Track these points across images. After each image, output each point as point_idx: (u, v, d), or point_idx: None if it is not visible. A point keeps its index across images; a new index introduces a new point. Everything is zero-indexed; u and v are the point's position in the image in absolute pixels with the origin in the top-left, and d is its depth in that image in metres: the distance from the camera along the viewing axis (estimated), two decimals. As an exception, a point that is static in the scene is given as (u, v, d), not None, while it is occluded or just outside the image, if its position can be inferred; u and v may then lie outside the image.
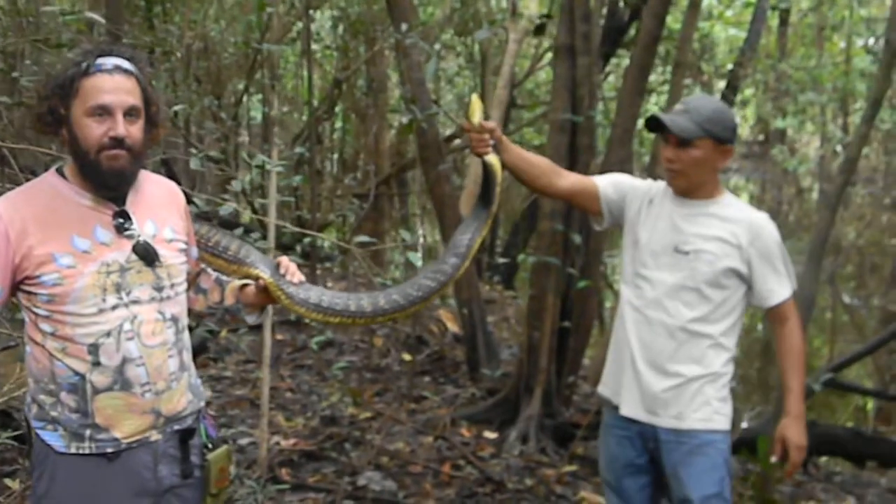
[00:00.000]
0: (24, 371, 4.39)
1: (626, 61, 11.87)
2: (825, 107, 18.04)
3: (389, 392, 6.42)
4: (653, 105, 13.87)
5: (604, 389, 3.24)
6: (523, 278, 10.99)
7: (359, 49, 13.63)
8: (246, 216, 8.38)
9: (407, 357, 7.04)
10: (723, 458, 2.99)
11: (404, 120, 16.15)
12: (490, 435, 5.61)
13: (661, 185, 3.17)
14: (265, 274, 2.60)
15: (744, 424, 4.50)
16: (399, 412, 5.94)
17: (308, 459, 5.12)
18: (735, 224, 2.99)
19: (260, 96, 12.13)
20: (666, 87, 10.98)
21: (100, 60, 2.25)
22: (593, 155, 5.62)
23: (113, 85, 2.25)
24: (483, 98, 11.25)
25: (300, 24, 11.56)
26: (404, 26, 5.72)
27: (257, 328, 6.75)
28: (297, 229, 5.48)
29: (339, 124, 15.60)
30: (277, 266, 2.63)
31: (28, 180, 2.49)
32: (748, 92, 16.54)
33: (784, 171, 20.15)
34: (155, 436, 2.37)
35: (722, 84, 13.36)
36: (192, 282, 2.66)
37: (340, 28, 12.68)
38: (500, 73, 10.15)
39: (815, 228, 4.00)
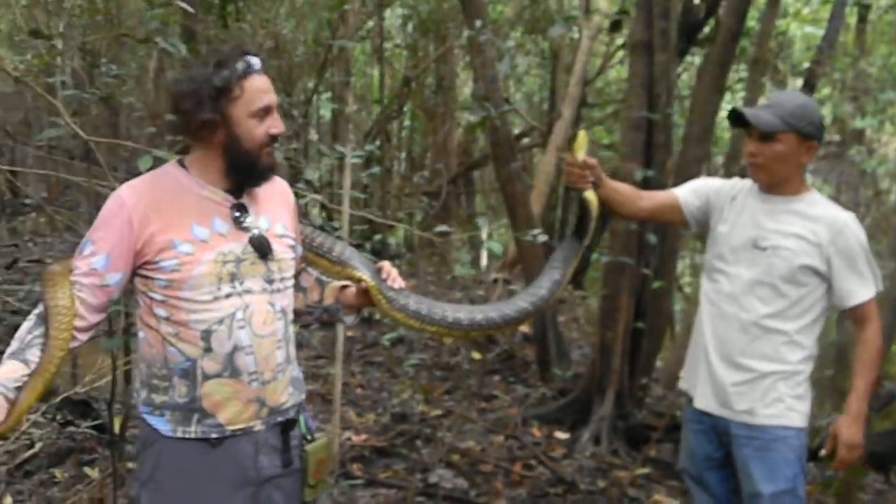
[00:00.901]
0: (105, 362, 4.49)
1: (698, 59, 11.74)
2: (904, 107, 17.58)
3: (459, 390, 6.42)
4: (728, 103, 13.65)
5: (683, 383, 3.26)
6: (592, 278, 10.91)
7: (428, 47, 13.68)
8: (314, 212, 8.44)
9: (477, 356, 7.02)
10: (795, 454, 2.95)
11: (473, 118, 16.20)
12: (561, 435, 5.57)
13: (746, 182, 3.13)
14: (367, 277, 2.63)
15: (823, 422, 4.37)
16: (469, 410, 5.93)
17: (379, 455, 5.14)
18: (816, 222, 2.93)
19: (329, 95, 12.22)
20: (741, 86, 10.81)
21: (252, 61, 2.32)
22: (669, 153, 5.54)
23: (267, 85, 2.36)
24: (554, 95, 11.20)
25: (370, 23, 11.65)
26: (478, 23, 5.70)
27: (329, 325, 6.82)
28: (371, 216, 5.48)
29: (407, 123, 15.66)
30: (379, 271, 2.68)
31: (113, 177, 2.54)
32: (825, 91, 16.19)
33: (861, 173, 19.70)
34: (258, 426, 2.41)
35: (798, 82, 13.13)
36: (295, 279, 2.68)
37: (410, 26, 12.74)
38: (571, 71, 10.08)
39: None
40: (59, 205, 13.48)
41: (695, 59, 11.26)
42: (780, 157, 2.93)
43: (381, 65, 7.76)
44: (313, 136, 13.81)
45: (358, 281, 2.65)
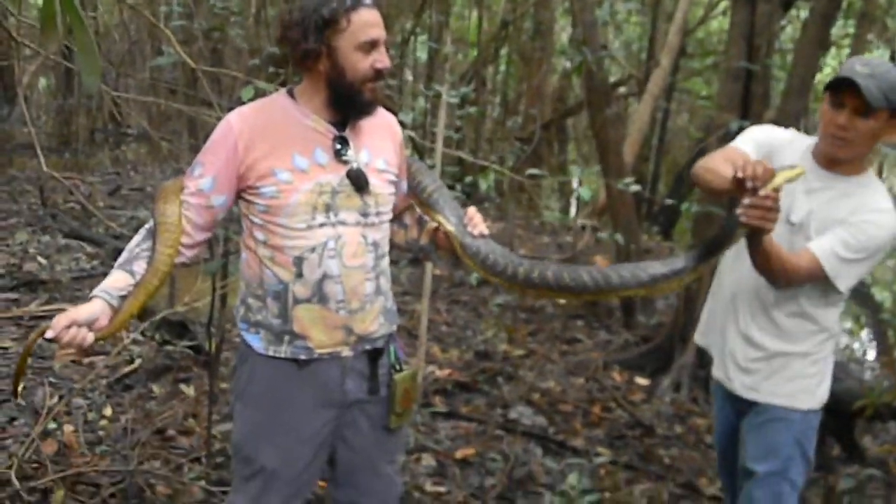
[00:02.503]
0: (201, 286, 4.68)
1: (804, 13, 11.43)
2: None
3: (542, 333, 6.50)
4: (833, 59, 13.28)
5: (700, 338, 3.16)
6: (682, 229, 10.84)
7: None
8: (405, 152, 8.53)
9: (561, 300, 7.08)
10: (795, 437, 2.83)
11: (569, 65, 16.01)
12: (642, 381, 5.62)
13: (806, 142, 2.84)
14: (447, 221, 2.62)
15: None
16: (552, 352, 6.02)
17: (461, 390, 5.26)
18: (850, 200, 2.69)
19: (426, 36, 12.23)
20: (847, 41, 10.52)
21: None
22: (767, 105, 5.49)
23: (376, 19, 2.37)
24: (652, 44, 11.04)
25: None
26: (580, -33, 5.69)
27: (417, 262, 6.95)
28: (464, 156, 5.54)
29: (502, 67, 15.60)
30: (464, 215, 2.64)
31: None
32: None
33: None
34: (346, 352, 2.51)
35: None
36: (399, 216, 2.75)
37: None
38: (672, 20, 9.92)
39: None
40: (160, 135, 13.86)
41: (800, 12, 10.98)
42: (871, 134, 2.64)
43: (480, 7, 7.75)
44: (409, 76, 13.89)
45: (439, 224, 2.65)
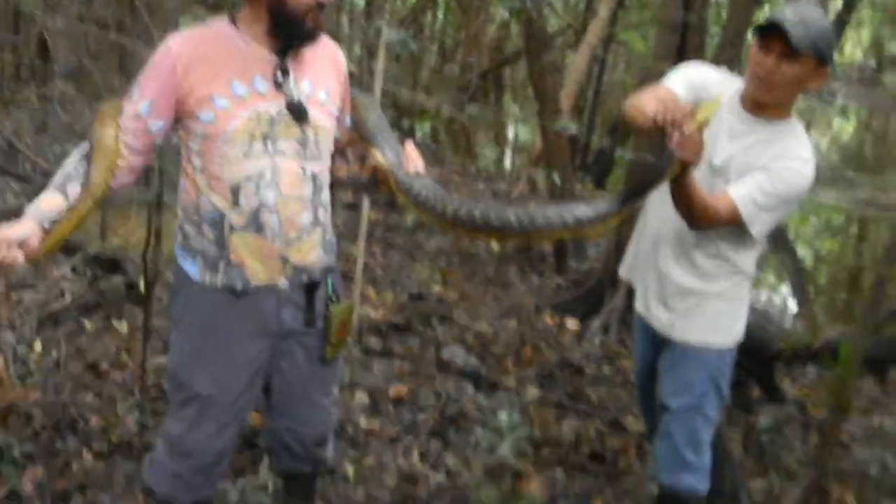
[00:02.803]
0: (134, 220, 4.66)
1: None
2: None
3: (476, 277, 6.58)
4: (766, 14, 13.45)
5: (624, 271, 3.22)
6: (615, 179, 10.97)
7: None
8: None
9: (495, 245, 7.16)
10: (709, 373, 2.93)
11: (508, 14, 15.94)
12: (572, 324, 5.74)
13: (735, 84, 2.89)
14: (384, 156, 2.61)
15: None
16: (485, 296, 6.10)
17: (395, 331, 5.31)
18: (771, 147, 2.75)
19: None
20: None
21: None
22: (702, 56, 5.57)
23: None
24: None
25: None
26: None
27: (354, 206, 6.95)
28: (405, 93, 5.53)
29: (440, 15, 15.52)
30: (402, 152, 2.63)
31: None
32: (865, 12, 15.92)
33: (894, 100, 19.48)
34: (282, 282, 2.53)
35: (839, 1, 12.93)
36: (342, 150, 2.76)
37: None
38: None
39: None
40: (89, 72, 13.50)
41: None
42: (796, 79, 2.68)
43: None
44: (344, 22, 13.73)
45: (374, 158, 2.64)
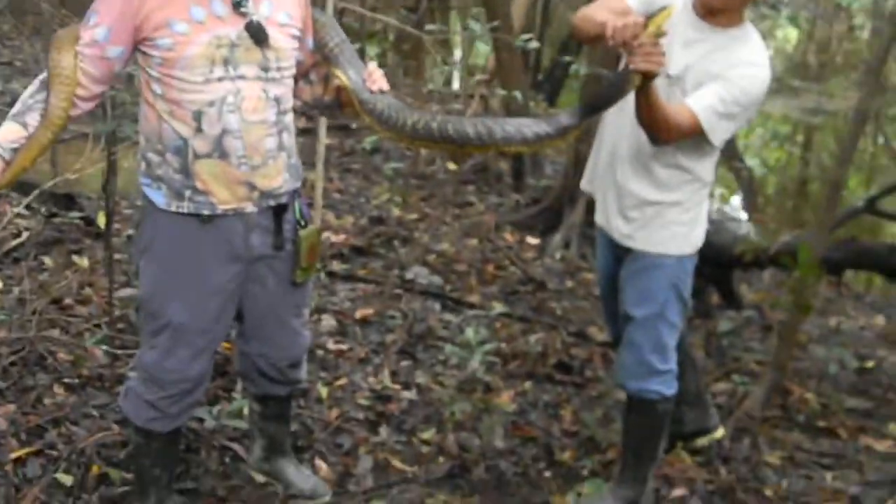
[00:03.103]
0: (85, 158, 4.56)
1: None
2: (887, -62, 17.31)
3: (434, 198, 6.60)
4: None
5: (585, 184, 3.23)
6: (567, 98, 10.97)
7: None
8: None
9: (452, 166, 7.17)
10: (670, 281, 2.96)
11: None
12: (532, 240, 5.81)
13: None
14: (347, 77, 2.59)
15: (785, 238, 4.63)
16: (445, 216, 6.13)
17: (358, 254, 5.34)
18: (726, 54, 2.75)
19: None
20: None
21: None
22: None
23: None
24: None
25: None
26: None
27: (309, 132, 6.89)
28: (359, 10, 5.44)
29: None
30: (363, 71, 2.61)
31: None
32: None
33: (837, 7, 19.54)
34: (249, 207, 2.52)
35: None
36: (305, 72, 2.72)
37: None
38: None
39: (874, 51, 3.97)
40: (26, 8, 13.13)
41: None
42: None
43: None
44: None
45: (337, 79, 2.62)
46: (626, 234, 3.00)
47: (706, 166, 2.93)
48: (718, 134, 2.75)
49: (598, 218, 3.14)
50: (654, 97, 2.58)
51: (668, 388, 3.06)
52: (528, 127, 2.47)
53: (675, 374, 3.07)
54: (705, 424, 3.48)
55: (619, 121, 2.90)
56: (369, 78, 2.59)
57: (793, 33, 21.26)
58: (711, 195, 3.04)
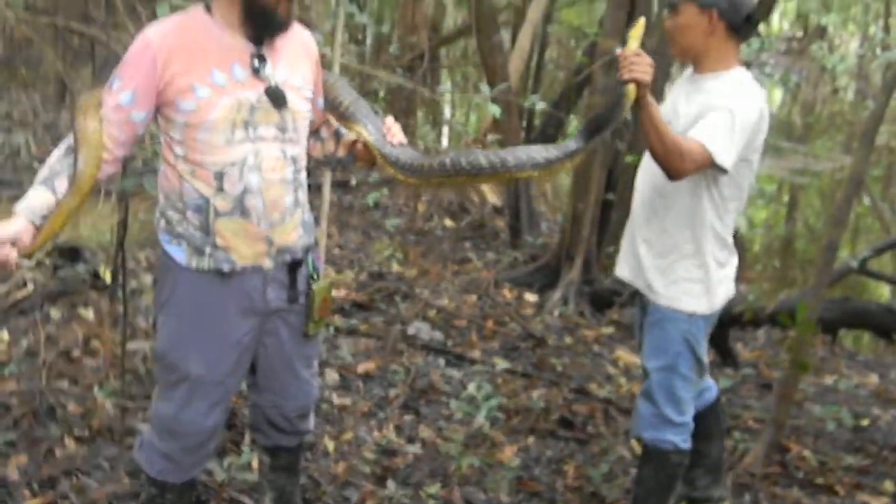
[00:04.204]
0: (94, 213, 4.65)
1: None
2: (869, 5, 17.71)
3: (433, 254, 6.68)
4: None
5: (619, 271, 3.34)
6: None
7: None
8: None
9: (449, 222, 7.27)
10: (682, 335, 3.04)
11: (442, -6, 15.84)
12: (531, 297, 5.88)
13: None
14: (367, 132, 2.70)
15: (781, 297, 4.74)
16: (444, 272, 6.20)
17: (359, 309, 5.40)
18: (710, 96, 2.90)
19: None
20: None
21: None
22: (649, 33, 5.70)
23: None
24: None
25: None
26: None
27: (310, 187, 6.98)
28: (368, 70, 5.52)
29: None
30: (382, 126, 2.73)
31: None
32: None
33: (822, 69, 19.91)
34: (267, 263, 2.59)
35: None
36: (316, 130, 2.83)
37: None
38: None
39: (869, 113, 4.09)
40: (22, 60, 13.26)
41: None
42: (679, 28, 2.94)
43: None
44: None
45: (358, 135, 2.73)
46: (646, 284, 3.10)
47: (718, 217, 3.01)
48: (722, 153, 2.79)
49: (620, 271, 3.25)
50: (656, 116, 2.70)
51: (683, 440, 3.12)
52: (537, 153, 2.59)
53: (691, 429, 3.14)
54: (715, 494, 3.51)
55: (640, 179, 3.08)
56: (389, 132, 2.71)
57: (777, 94, 21.64)
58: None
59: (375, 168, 2.86)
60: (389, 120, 2.74)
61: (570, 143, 2.64)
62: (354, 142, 2.79)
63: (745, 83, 2.95)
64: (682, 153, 2.75)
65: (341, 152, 2.84)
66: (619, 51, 2.67)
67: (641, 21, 2.73)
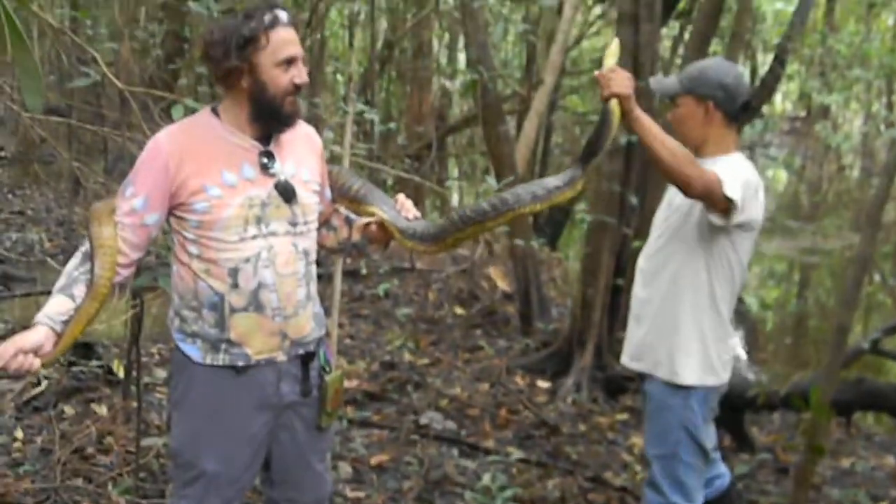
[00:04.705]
0: (107, 308, 4.67)
1: (674, 31, 11.99)
2: (871, 84, 17.98)
3: (444, 342, 6.69)
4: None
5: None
6: (567, 240, 11.18)
7: (407, 13, 13.81)
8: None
9: (459, 310, 7.30)
10: (680, 422, 3.06)
11: (448, 84, 16.19)
12: (543, 384, 5.86)
13: None
14: (381, 211, 2.78)
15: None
16: (456, 360, 6.21)
17: (371, 400, 5.39)
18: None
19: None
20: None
21: (279, 13, 2.49)
22: (653, 119, 5.80)
23: (293, 37, 2.51)
24: (531, 63, 11.38)
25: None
26: (472, -11, 5.93)
27: (321, 277, 7.03)
28: (378, 166, 5.62)
29: (385, 86, 15.78)
30: (394, 203, 2.82)
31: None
32: (794, 67, 16.52)
33: (826, 148, 20.12)
34: (280, 356, 2.62)
35: (769, 57, 13.43)
36: (326, 220, 2.88)
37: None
38: (553, 39, 10.28)
39: (873, 195, 4.14)
40: (34, 158, 13.49)
41: (670, 31, 11.56)
42: (679, 119, 3.07)
43: (374, 26, 7.98)
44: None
45: (372, 215, 2.79)
46: (642, 366, 3.12)
47: (717, 288, 3.03)
48: (732, 185, 2.85)
49: (624, 359, 3.28)
50: (650, 126, 2.79)
51: None
52: (536, 186, 2.67)
53: None
54: None
55: (641, 256, 3.19)
56: (402, 208, 2.78)
57: (782, 174, 21.81)
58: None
59: (389, 247, 2.91)
60: (401, 197, 2.82)
61: (568, 172, 2.70)
62: (367, 224, 2.83)
63: (744, 165, 3.03)
64: (691, 159, 2.83)
65: (355, 237, 2.89)
66: (596, 73, 2.76)
67: (616, 41, 2.87)
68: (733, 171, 2.91)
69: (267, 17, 2.47)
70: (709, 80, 3.03)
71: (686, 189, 2.84)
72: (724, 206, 2.87)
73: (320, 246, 2.85)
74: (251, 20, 2.46)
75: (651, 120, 2.82)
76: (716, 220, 2.93)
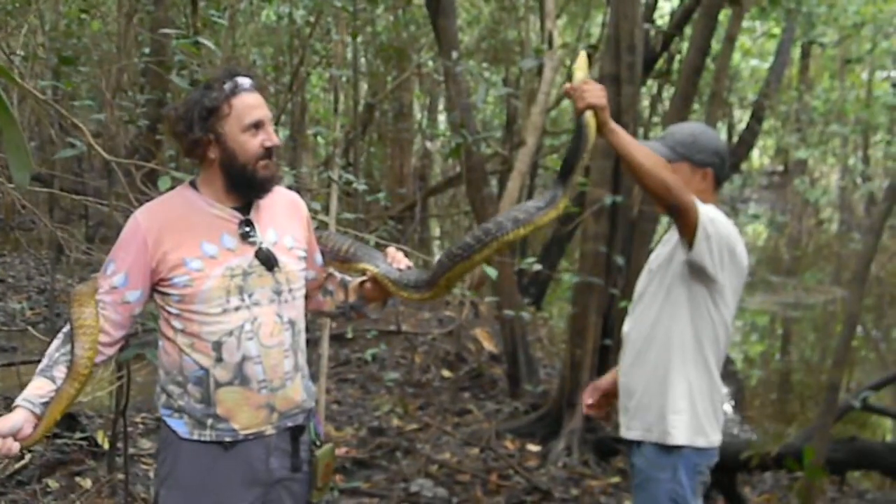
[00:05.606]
0: (91, 379, 4.62)
1: (652, 90, 12.16)
2: (847, 138, 18.24)
3: (432, 406, 6.64)
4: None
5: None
6: (552, 299, 11.18)
7: (387, 75, 13.95)
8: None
9: (447, 373, 7.25)
10: (668, 496, 2.98)
11: (429, 145, 16.34)
12: (534, 447, 5.81)
13: None
14: (373, 266, 2.76)
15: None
16: (444, 424, 6.15)
17: (360, 467, 5.33)
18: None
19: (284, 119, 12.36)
20: (696, 117, 11.18)
21: (240, 80, 2.49)
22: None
23: (257, 101, 2.51)
24: (511, 124, 11.49)
25: (328, 49, 11.88)
26: (454, 54, 5.99)
27: (311, 341, 6.99)
28: (366, 235, 5.64)
29: (366, 148, 15.89)
30: (385, 257, 2.80)
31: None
32: (770, 122, 16.74)
33: (805, 202, 20.31)
34: (269, 430, 2.57)
35: (746, 114, 13.64)
36: (320, 286, 2.86)
37: (370, 53, 12.96)
38: (533, 101, 10.40)
39: (859, 254, 4.16)
40: (14, 225, 13.45)
41: (649, 90, 11.72)
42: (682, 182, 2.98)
43: (356, 89, 8.04)
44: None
45: (364, 272, 2.77)
46: (626, 425, 3.07)
47: (695, 343, 3.00)
48: (707, 216, 2.84)
49: (621, 430, 3.20)
50: (625, 136, 2.74)
51: None
52: (518, 210, 2.62)
53: None
54: None
55: (627, 319, 3.15)
56: (394, 260, 2.77)
57: (762, 228, 21.99)
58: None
59: (386, 303, 2.89)
60: (391, 250, 2.82)
61: (549, 193, 2.66)
62: (362, 283, 2.81)
63: (719, 215, 2.98)
64: (667, 166, 2.80)
65: (352, 298, 2.86)
66: (567, 86, 2.72)
67: (583, 54, 2.81)
68: (711, 213, 2.90)
69: (228, 86, 2.48)
70: (705, 148, 3.03)
71: (665, 195, 2.81)
72: (693, 225, 2.85)
73: (319, 312, 2.86)
74: (212, 90, 2.47)
75: (625, 131, 2.80)
76: (686, 251, 2.90)
